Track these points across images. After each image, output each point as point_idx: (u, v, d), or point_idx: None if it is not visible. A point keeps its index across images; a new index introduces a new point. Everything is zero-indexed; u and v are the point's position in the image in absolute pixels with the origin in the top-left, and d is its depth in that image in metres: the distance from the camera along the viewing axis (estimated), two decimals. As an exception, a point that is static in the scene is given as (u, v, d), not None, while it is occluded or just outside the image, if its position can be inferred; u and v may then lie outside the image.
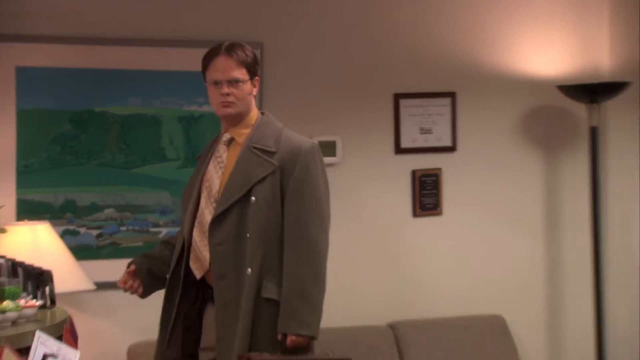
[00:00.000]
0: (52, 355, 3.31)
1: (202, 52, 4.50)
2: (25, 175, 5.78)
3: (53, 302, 4.55)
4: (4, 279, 4.57)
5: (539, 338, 7.17)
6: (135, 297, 4.61)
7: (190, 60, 5.53)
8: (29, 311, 4.22)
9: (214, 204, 4.42)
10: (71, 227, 5.82)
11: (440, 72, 6.78)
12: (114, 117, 6.10)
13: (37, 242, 5.51)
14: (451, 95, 6.69)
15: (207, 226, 4.40)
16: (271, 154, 4.40)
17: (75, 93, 5.94)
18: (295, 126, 4.68)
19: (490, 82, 7.00)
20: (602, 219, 6.98)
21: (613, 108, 7.02)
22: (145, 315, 5.15)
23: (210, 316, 4.47)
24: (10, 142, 5.69)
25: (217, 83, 4.32)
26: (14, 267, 4.71)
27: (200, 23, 6.18)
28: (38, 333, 3.47)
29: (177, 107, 6.19)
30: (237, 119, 4.45)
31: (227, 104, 4.31)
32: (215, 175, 4.51)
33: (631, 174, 6.94)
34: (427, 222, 6.84)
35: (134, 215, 6.10)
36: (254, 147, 4.37)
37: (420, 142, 6.89)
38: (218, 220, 4.37)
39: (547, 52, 7.17)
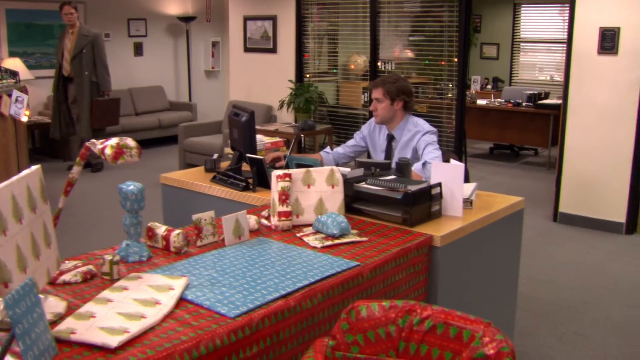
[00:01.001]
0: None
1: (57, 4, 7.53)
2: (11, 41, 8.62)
3: (19, 82, 6.23)
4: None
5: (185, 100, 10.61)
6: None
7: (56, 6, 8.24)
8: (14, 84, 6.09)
9: (70, 54, 7.30)
10: (27, 60, 8.67)
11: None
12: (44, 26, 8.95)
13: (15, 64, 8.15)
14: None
15: (69, 60, 7.30)
16: (87, 37, 7.35)
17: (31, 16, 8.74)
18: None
19: (159, 15, 10.23)
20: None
21: (194, 24, 10.61)
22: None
23: (72, 89, 7.48)
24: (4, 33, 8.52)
25: (65, 14, 7.24)
26: (8, 71, 6.34)
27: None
28: (15, 91, 6.06)
29: (57, 22, 8.61)
30: (74, 26, 7.32)
31: (70, 20, 7.30)
32: (69, 45, 7.35)
33: (205, 44, 11.07)
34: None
35: (47, 55, 8.90)
36: (81, 34, 7.33)
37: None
38: (74, 58, 7.30)
39: (180, 4, 10.50)
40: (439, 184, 2.79)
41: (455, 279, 2.72)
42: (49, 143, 8.54)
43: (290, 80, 7.43)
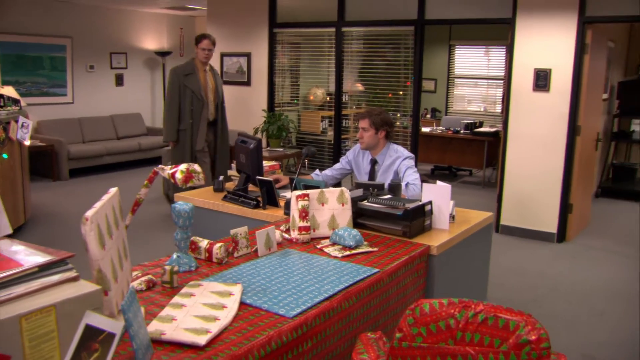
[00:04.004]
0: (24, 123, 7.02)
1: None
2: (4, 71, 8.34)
3: (22, 108, 6.91)
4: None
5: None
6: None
7: (45, 40, 9.23)
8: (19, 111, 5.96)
9: (215, 96, 5.71)
10: (18, 88, 8.21)
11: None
12: (34, 57, 8.61)
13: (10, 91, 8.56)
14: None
15: (215, 104, 5.72)
16: (218, 76, 5.85)
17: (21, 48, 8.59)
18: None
19: (138, 50, 10.29)
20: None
21: (169, 58, 10.68)
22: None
23: (209, 134, 5.75)
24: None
25: (203, 49, 5.55)
26: (11, 98, 5.99)
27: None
28: (21, 118, 6.85)
29: (45, 54, 9.03)
30: (207, 64, 5.67)
31: (207, 57, 5.60)
32: (212, 85, 5.70)
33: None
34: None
35: (37, 84, 8.79)
36: (216, 73, 5.79)
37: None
38: (218, 104, 5.72)
39: (157, 40, 10.65)
40: (430, 202, 2.95)
41: (447, 282, 2.88)
42: (39, 164, 8.35)
43: (263, 110, 7.53)
